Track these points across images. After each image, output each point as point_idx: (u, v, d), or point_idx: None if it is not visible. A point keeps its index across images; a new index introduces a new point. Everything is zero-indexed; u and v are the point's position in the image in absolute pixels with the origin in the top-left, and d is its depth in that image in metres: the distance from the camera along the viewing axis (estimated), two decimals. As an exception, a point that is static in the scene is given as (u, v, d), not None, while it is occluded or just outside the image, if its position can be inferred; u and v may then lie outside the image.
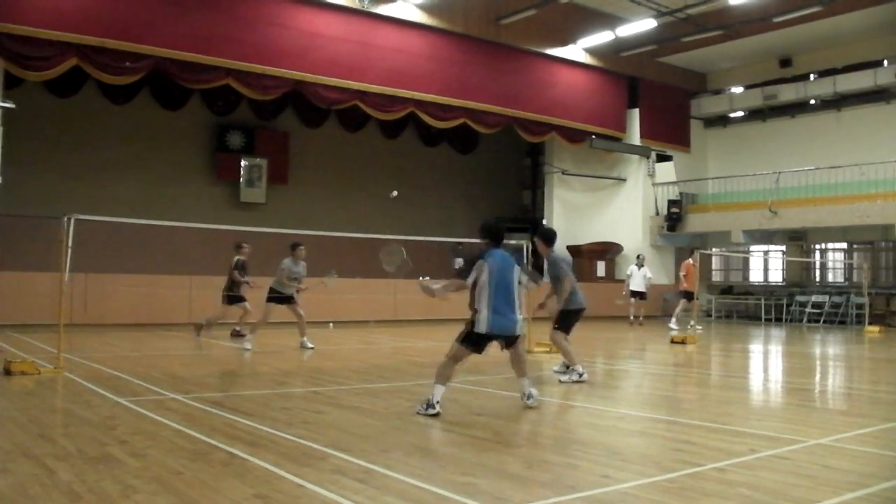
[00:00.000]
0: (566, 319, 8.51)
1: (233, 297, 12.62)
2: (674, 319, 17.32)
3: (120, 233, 16.54)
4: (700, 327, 16.86)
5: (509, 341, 6.51)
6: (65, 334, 8.52)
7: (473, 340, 6.34)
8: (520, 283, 6.46)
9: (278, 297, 11.44)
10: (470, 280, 6.35)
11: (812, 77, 22.02)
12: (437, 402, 6.10)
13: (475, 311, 6.33)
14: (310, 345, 11.49)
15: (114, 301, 14.72)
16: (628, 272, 18.97)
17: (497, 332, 6.29)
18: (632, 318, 18.55)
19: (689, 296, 16.91)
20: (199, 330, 12.58)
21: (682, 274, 17.78)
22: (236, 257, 12.66)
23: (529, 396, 6.56)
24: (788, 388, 8.01)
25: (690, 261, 17.62)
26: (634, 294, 18.55)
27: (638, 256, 19.24)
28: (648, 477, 4.31)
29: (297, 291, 11.59)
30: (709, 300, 22.76)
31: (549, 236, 8.56)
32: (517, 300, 6.36)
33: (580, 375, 8.18)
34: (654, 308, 22.36)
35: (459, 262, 21.47)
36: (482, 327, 6.23)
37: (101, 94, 18.28)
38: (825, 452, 5.02)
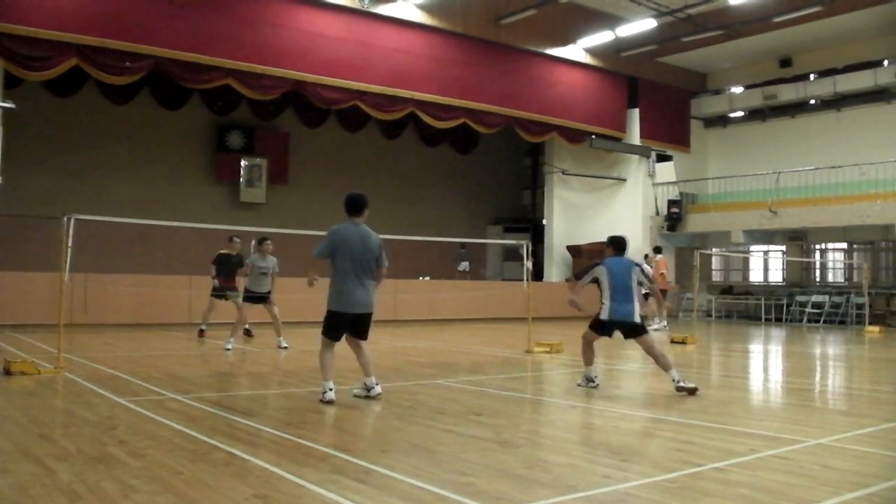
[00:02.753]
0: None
1: (218, 294, 12.58)
2: (656, 318, 17.27)
3: (120, 233, 16.55)
4: (665, 324, 17.24)
5: (628, 329, 7.66)
6: (65, 334, 8.52)
7: (599, 326, 7.76)
8: (639, 283, 7.76)
9: (252, 296, 11.42)
10: (582, 282, 8.03)
11: (812, 77, 22.02)
12: (595, 376, 7.85)
13: (602, 304, 7.75)
14: (284, 344, 11.39)
15: (114, 301, 14.72)
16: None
17: (617, 318, 7.61)
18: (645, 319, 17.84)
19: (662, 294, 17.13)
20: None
21: (659, 272, 17.57)
22: (219, 251, 12.64)
23: (678, 382, 7.37)
24: (788, 388, 8.01)
25: (660, 257, 17.90)
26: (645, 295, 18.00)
27: (646, 256, 18.63)
28: (648, 477, 4.31)
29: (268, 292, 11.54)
30: (709, 300, 22.76)
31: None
32: (634, 295, 7.70)
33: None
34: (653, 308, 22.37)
35: (465, 266, 21.45)
36: (605, 315, 7.65)
37: (101, 94, 18.29)
38: (825, 452, 5.02)
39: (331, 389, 6.54)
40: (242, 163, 21.19)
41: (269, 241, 11.53)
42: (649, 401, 7.63)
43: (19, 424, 5.55)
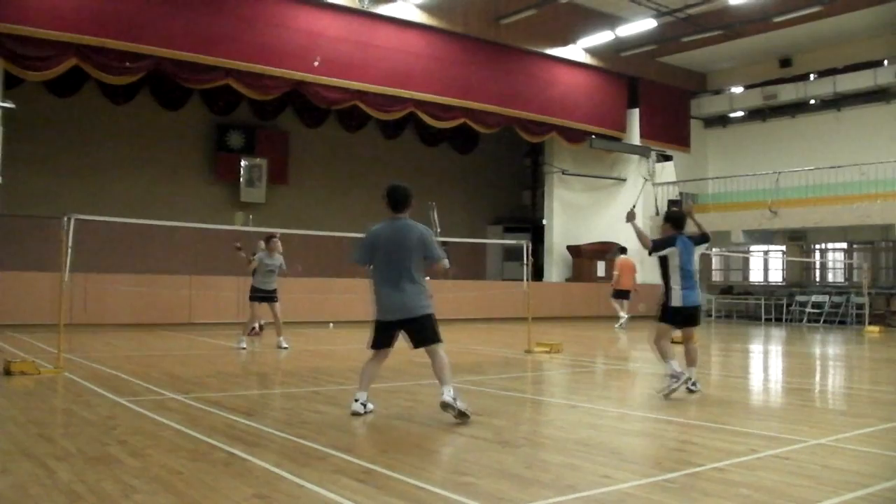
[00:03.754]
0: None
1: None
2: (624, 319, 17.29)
3: (120, 233, 16.55)
4: (625, 324, 17.21)
5: (693, 318, 7.22)
6: (65, 334, 8.52)
7: (672, 315, 7.14)
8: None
9: (261, 294, 11.44)
10: (657, 252, 7.16)
11: (812, 77, 22.03)
12: (678, 370, 7.03)
13: (668, 290, 7.11)
14: (285, 345, 11.40)
15: (114, 301, 14.73)
16: None
17: (690, 304, 7.06)
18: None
19: (623, 294, 17.44)
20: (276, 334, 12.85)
21: (615, 272, 17.68)
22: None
23: (690, 384, 7.11)
24: (788, 388, 8.02)
25: (624, 257, 17.90)
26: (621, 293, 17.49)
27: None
28: (648, 477, 4.31)
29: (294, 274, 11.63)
30: (709, 300, 22.77)
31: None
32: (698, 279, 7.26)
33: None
34: (653, 308, 22.35)
35: (445, 264, 21.36)
36: (678, 302, 7.02)
37: (101, 94, 18.29)
38: (825, 452, 5.02)
39: (356, 400, 5.96)
40: (242, 163, 21.18)
41: (275, 239, 11.50)
42: (649, 401, 7.63)
43: (19, 424, 5.55)
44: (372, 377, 6.11)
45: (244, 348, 11.10)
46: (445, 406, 5.64)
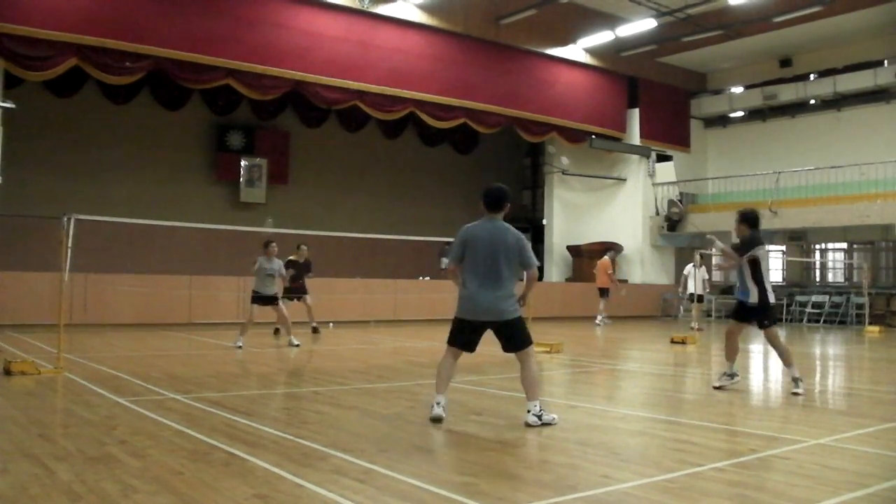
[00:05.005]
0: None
1: (288, 295, 12.98)
2: (599, 318, 18.12)
3: (120, 233, 16.55)
4: (607, 322, 17.95)
5: (770, 318, 7.57)
6: (65, 334, 8.52)
7: (772, 312, 7.57)
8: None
9: (260, 297, 11.61)
10: (750, 255, 7.39)
11: (812, 77, 22.03)
12: (735, 371, 7.78)
13: (763, 290, 7.41)
14: (296, 342, 11.69)
15: (114, 301, 14.72)
16: (685, 272, 17.68)
17: (775, 302, 7.54)
18: (694, 324, 16.20)
19: (602, 291, 18.24)
20: (316, 331, 13.84)
21: (595, 270, 18.58)
22: (288, 257, 13.10)
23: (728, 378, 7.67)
24: (788, 388, 8.00)
25: (606, 258, 18.60)
26: (692, 297, 16.94)
27: (696, 256, 17.47)
28: (648, 477, 4.31)
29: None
30: (709, 300, 22.76)
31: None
32: None
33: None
34: (653, 308, 22.38)
35: (445, 262, 21.41)
36: (773, 298, 7.48)
37: (101, 94, 18.29)
38: (825, 452, 5.02)
39: (438, 404, 5.76)
40: (242, 163, 21.18)
41: (273, 244, 11.74)
42: (649, 401, 7.64)
43: (19, 424, 5.55)
44: (448, 377, 5.89)
45: (240, 347, 11.20)
46: (529, 426, 5.51)
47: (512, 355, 6.01)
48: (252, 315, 11.60)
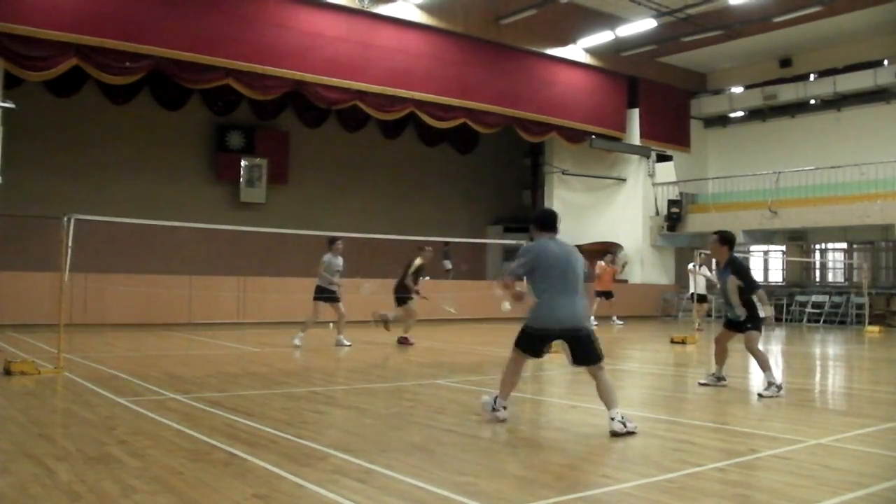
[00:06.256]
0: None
1: (401, 297, 12.41)
2: (593, 318, 17.23)
3: (120, 233, 16.53)
4: (596, 324, 16.99)
5: (755, 324, 7.76)
6: (65, 334, 8.52)
7: (734, 324, 7.78)
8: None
9: (327, 295, 11.65)
10: (748, 295, 7.71)
11: (812, 77, 22.01)
12: (723, 375, 7.93)
13: (733, 309, 7.72)
14: (346, 342, 11.75)
15: (114, 301, 14.72)
16: (690, 268, 16.99)
17: (765, 316, 7.75)
18: (697, 324, 15.60)
19: (605, 295, 18.18)
20: (385, 324, 12.59)
21: (596, 273, 18.32)
22: (416, 260, 12.48)
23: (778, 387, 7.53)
24: (788, 388, 8.00)
25: (603, 262, 18.48)
26: (693, 297, 16.44)
27: (700, 255, 16.75)
28: (648, 477, 4.31)
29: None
30: (709, 300, 22.76)
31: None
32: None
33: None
34: (653, 308, 22.38)
35: (447, 265, 21.30)
36: (761, 313, 7.66)
37: (101, 94, 18.28)
38: (825, 452, 5.02)
39: (504, 408, 5.92)
40: (242, 163, 21.18)
41: (340, 241, 11.75)
42: (649, 401, 7.64)
43: (19, 424, 5.55)
44: (513, 383, 6.01)
45: (298, 346, 11.40)
46: (615, 435, 5.44)
47: (511, 354, 6.03)
48: (317, 313, 11.65)
